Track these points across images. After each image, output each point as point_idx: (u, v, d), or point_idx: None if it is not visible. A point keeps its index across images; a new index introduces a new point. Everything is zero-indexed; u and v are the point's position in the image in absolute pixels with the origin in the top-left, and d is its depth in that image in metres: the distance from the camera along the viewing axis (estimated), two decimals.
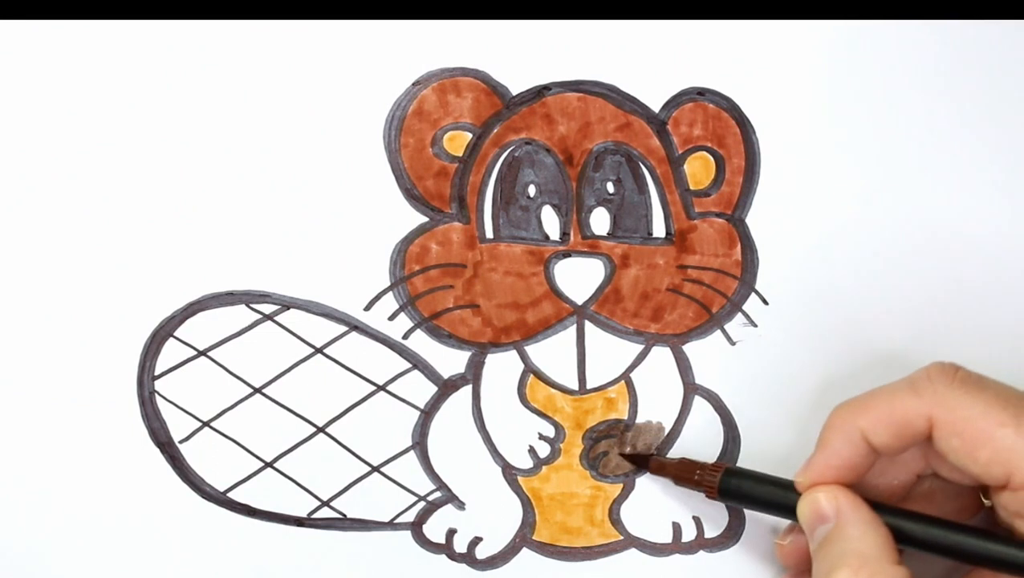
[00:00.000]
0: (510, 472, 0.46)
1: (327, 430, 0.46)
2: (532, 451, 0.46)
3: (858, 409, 0.39)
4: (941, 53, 0.43)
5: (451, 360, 0.45)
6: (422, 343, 0.45)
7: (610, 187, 0.44)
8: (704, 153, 0.44)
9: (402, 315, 0.45)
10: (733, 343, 0.45)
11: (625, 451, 0.46)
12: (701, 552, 0.46)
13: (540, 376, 0.45)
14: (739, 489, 0.42)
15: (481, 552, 0.46)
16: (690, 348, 0.45)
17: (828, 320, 0.45)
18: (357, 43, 0.43)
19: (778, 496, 0.41)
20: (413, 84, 0.43)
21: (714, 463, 0.43)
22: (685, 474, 0.44)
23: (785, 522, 0.43)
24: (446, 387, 0.46)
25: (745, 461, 0.46)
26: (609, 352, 0.45)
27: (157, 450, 0.46)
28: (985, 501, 0.40)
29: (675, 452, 0.46)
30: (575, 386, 0.46)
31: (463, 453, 0.46)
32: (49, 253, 0.44)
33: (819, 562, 0.38)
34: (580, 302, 0.45)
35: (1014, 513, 0.37)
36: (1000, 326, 0.45)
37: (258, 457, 0.46)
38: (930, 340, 0.44)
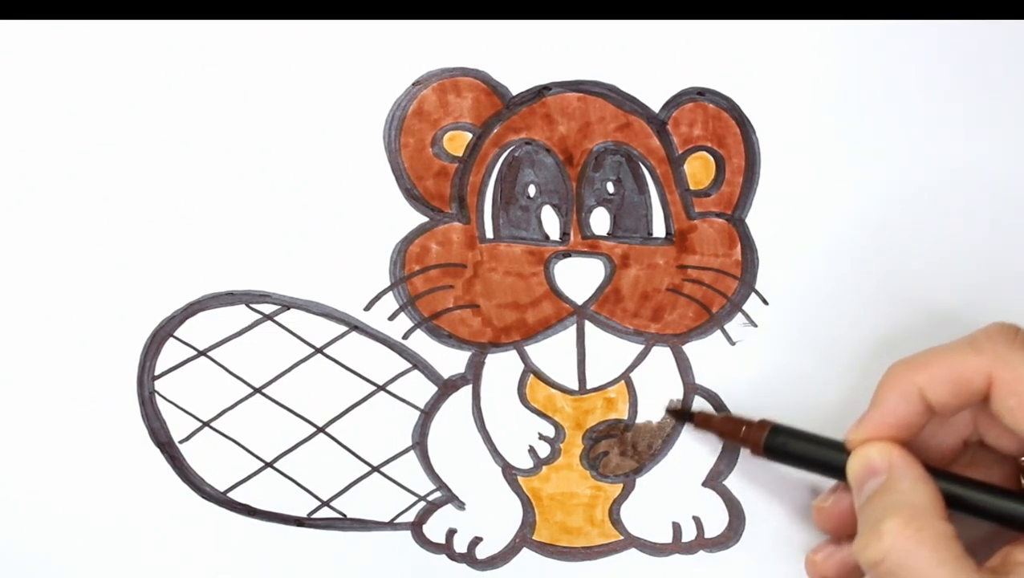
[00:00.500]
0: (510, 472, 0.46)
1: (327, 430, 0.46)
2: (532, 451, 0.46)
3: (917, 366, 0.39)
4: (941, 53, 0.43)
5: (451, 360, 0.45)
6: (422, 343, 0.45)
7: (610, 187, 0.44)
8: (704, 153, 0.44)
9: (402, 315, 0.45)
10: (733, 343, 0.45)
11: (627, 451, 0.46)
12: (701, 552, 0.46)
13: (540, 376, 0.45)
14: (785, 447, 0.42)
15: (481, 552, 0.46)
16: (690, 348, 0.45)
17: (828, 320, 0.45)
18: (357, 43, 0.43)
19: (825, 454, 0.41)
20: (413, 84, 0.43)
21: (760, 420, 0.43)
22: (731, 430, 0.43)
23: (814, 491, 0.44)
24: (446, 387, 0.46)
25: (745, 461, 0.46)
26: (609, 352, 0.45)
27: (157, 450, 0.46)
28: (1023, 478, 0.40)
29: (675, 452, 0.46)
30: (575, 386, 0.46)
31: (463, 453, 0.46)
32: (49, 253, 0.44)
33: (866, 514, 0.38)
34: (580, 302, 0.45)
35: None
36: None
37: (258, 457, 0.46)
38: (930, 338, 0.44)
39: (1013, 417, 0.38)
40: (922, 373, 0.39)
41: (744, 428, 0.43)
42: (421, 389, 0.45)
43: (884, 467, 0.39)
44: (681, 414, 0.45)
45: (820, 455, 0.41)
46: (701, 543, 0.46)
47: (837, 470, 0.40)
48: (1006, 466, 0.41)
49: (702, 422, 0.45)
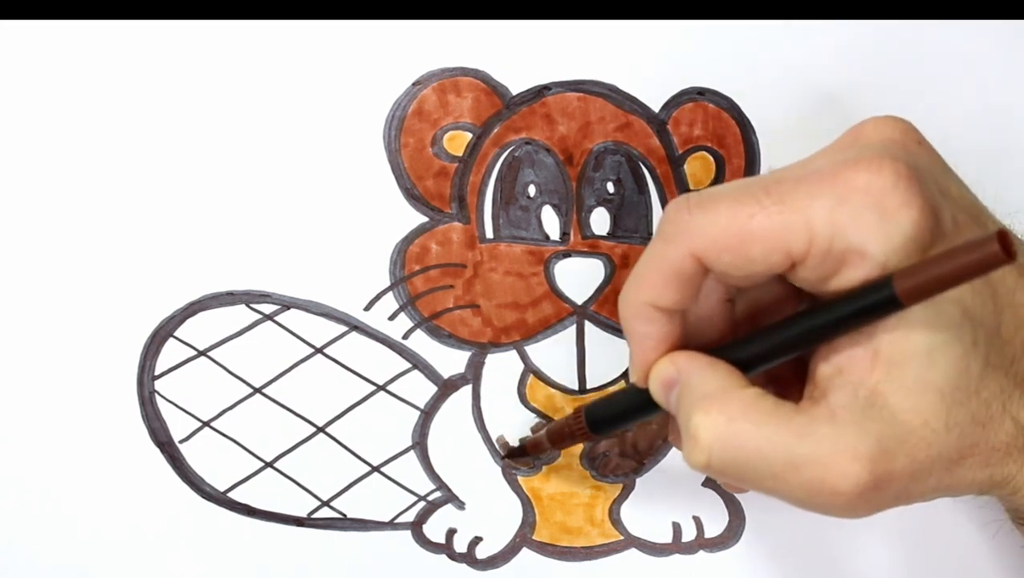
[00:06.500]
0: (510, 472, 0.46)
1: (327, 430, 0.46)
2: None
3: (634, 288, 0.37)
4: (941, 53, 0.43)
5: (451, 360, 0.45)
6: (422, 343, 0.45)
7: (610, 187, 0.44)
8: (704, 153, 0.44)
9: (402, 315, 0.45)
10: None
11: (627, 451, 0.46)
12: (701, 552, 0.46)
13: (540, 376, 0.45)
14: (606, 418, 0.41)
15: (481, 552, 0.46)
16: None
17: None
18: (357, 43, 0.43)
19: (637, 400, 0.39)
20: (413, 84, 0.44)
21: (573, 411, 0.42)
22: (558, 437, 0.42)
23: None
24: (446, 387, 0.46)
25: None
26: (609, 352, 0.45)
27: (157, 450, 0.46)
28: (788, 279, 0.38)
29: (675, 452, 0.46)
30: (575, 386, 0.46)
31: (463, 453, 0.46)
32: (49, 253, 0.44)
33: (680, 422, 0.36)
34: (580, 302, 0.45)
35: (816, 281, 0.35)
36: None
37: (258, 457, 0.46)
38: None
39: (739, 270, 0.35)
40: (642, 292, 0.37)
41: (566, 427, 0.42)
42: (421, 389, 0.45)
43: (676, 374, 0.37)
44: (515, 451, 0.45)
45: (633, 403, 0.40)
46: (701, 543, 0.46)
47: (655, 405, 0.39)
48: (775, 283, 0.39)
49: (534, 447, 0.44)
